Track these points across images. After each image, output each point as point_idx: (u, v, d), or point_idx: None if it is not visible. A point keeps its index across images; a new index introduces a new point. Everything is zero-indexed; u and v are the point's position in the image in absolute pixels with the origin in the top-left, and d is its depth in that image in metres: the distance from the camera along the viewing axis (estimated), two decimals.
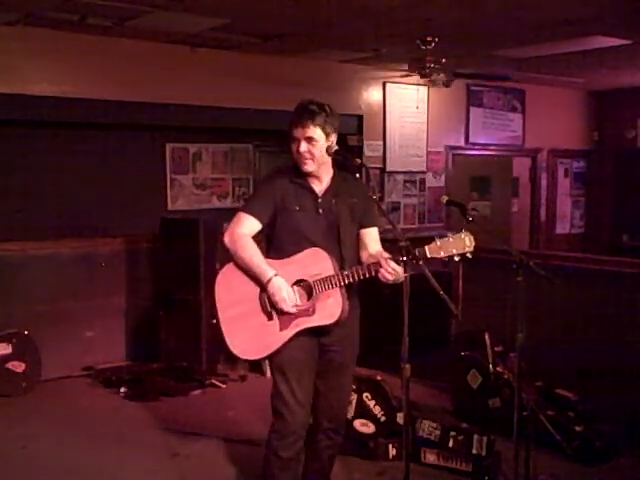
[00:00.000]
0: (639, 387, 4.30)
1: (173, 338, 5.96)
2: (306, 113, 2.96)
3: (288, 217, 3.03)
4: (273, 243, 3.09)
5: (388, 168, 7.68)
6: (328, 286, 2.94)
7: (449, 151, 8.28)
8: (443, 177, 8.23)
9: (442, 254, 2.85)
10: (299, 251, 3.00)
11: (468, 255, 2.90)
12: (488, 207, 8.84)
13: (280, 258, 3.01)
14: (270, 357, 3.05)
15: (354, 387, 4.18)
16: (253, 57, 6.59)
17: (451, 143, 8.28)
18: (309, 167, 3.01)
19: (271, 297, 2.95)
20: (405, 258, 2.80)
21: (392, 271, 2.86)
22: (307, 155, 2.98)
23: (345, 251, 3.06)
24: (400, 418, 3.99)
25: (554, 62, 7.00)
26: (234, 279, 3.04)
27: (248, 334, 3.01)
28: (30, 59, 5.58)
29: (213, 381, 5.52)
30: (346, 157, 3.09)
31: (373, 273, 2.92)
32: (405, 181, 7.89)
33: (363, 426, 4.16)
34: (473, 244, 2.90)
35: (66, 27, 5.48)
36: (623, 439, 4.19)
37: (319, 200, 3.06)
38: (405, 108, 7.77)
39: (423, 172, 8.02)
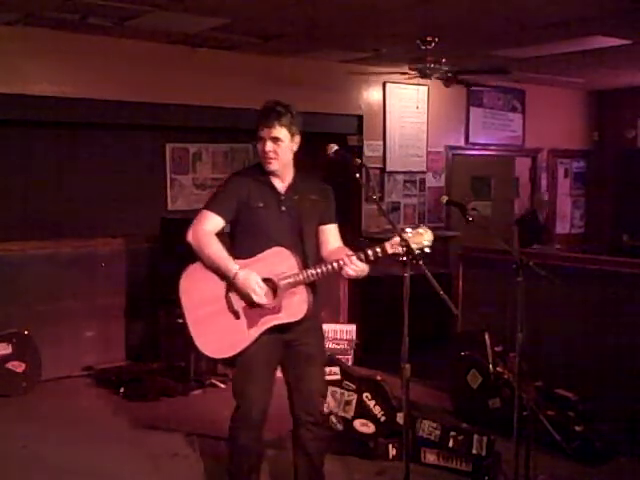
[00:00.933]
0: (639, 387, 4.30)
1: (173, 338, 5.95)
2: (273, 114, 3.04)
3: (252, 214, 3.09)
4: (236, 240, 3.13)
5: (388, 168, 7.68)
6: (292, 284, 3.00)
7: (449, 151, 8.28)
8: (443, 177, 8.23)
9: (401, 250, 2.84)
10: (263, 248, 3.04)
11: (427, 250, 2.91)
12: (489, 207, 8.84)
13: (244, 256, 3.04)
14: (238, 354, 3.09)
15: (354, 387, 4.19)
16: (253, 57, 6.60)
17: (451, 143, 8.28)
18: (273, 166, 3.08)
19: (241, 290, 2.98)
20: (405, 258, 2.81)
21: (355, 268, 2.93)
22: (272, 155, 3.05)
23: (307, 248, 3.13)
24: (400, 418, 3.99)
25: (554, 62, 7.01)
26: (199, 279, 3.09)
27: (216, 334, 3.06)
28: (30, 59, 5.58)
29: (213, 381, 5.52)
30: (346, 157, 3.09)
31: (337, 270, 2.98)
32: (405, 181, 7.90)
33: (363, 426, 4.16)
34: (432, 239, 2.92)
35: (66, 27, 5.48)
36: (623, 439, 4.19)
37: (282, 198, 3.12)
38: (405, 108, 7.77)
39: (423, 172, 8.02)
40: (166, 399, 5.27)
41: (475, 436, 3.93)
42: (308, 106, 6.96)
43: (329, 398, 4.19)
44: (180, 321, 3.11)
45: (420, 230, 2.91)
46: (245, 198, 3.08)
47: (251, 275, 2.97)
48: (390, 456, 4.07)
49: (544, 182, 9.27)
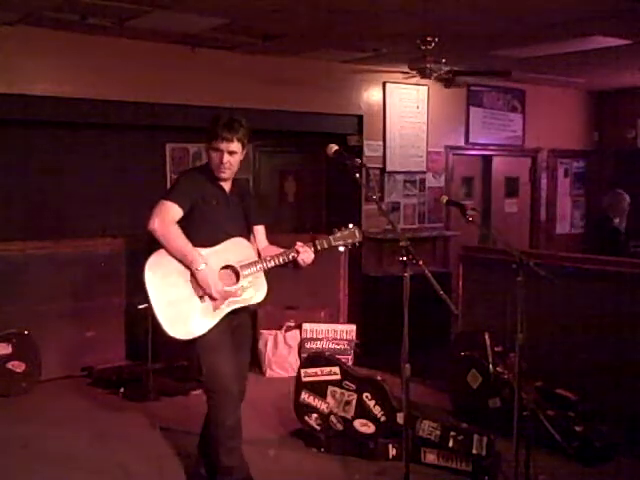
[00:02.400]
0: (639, 387, 4.31)
1: (173, 338, 5.94)
2: (232, 129, 3.31)
3: (207, 209, 3.37)
4: (192, 230, 3.31)
5: (388, 168, 7.68)
6: (253, 270, 3.35)
7: (449, 151, 8.28)
8: (443, 177, 8.23)
9: (340, 243, 3.39)
10: (219, 239, 3.35)
11: (357, 244, 3.42)
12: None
13: (199, 245, 3.29)
14: (201, 336, 3.30)
15: (354, 387, 4.19)
16: (253, 57, 6.59)
17: (451, 143, 8.28)
18: (226, 175, 3.40)
19: (200, 283, 3.25)
20: (405, 258, 2.81)
21: (308, 255, 3.35)
22: (227, 165, 3.35)
23: (250, 240, 3.50)
24: (400, 418, 3.99)
25: (554, 62, 7.01)
26: (163, 264, 3.27)
27: (184, 317, 3.28)
28: (30, 59, 5.58)
29: None
30: (346, 157, 3.10)
31: (291, 258, 3.36)
32: (405, 181, 7.89)
33: (363, 426, 4.16)
34: (361, 236, 3.43)
35: (66, 27, 5.48)
36: (623, 439, 4.19)
37: (228, 197, 3.47)
38: (405, 108, 7.77)
39: (423, 172, 8.01)
40: (166, 399, 5.27)
41: (475, 436, 3.93)
42: (308, 106, 7.00)
43: (329, 398, 4.20)
44: (141, 307, 3.36)
45: (351, 227, 3.40)
46: (202, 194, 3.36)
47: (210, 274, 3.24)
48: (390, 456, 4.08)
49: (544, 182, 9.27)
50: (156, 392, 5.31)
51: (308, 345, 5.91)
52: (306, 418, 4.26)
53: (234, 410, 3.37)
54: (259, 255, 3.47)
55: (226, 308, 3.32)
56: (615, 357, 4.50)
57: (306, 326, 5.95)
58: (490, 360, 4.57)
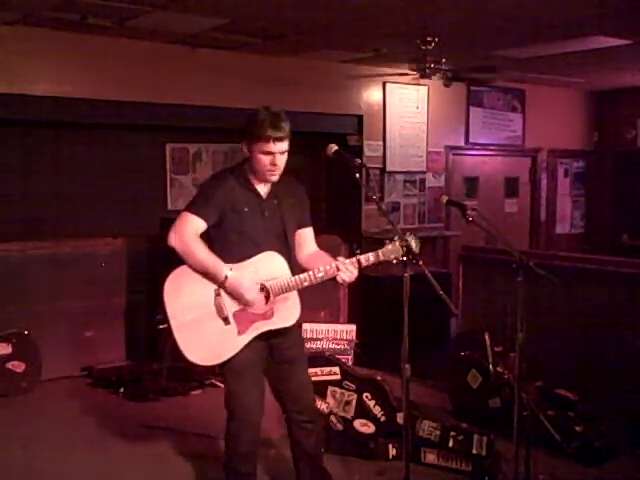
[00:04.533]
0: (639, 387, 4.30)
1: (173, 338, 5.94)
2: (280, 127, 2.95)
3: (237, 219, 3.02)
4: (219, 244, 3.03)
5: (388, 168, 7.68)
6: (285, 289, 3.00)
7: (449, 151, 8.28)
8: (443, 177, 8.23)
9: (393, 256, 2.94)
10: (249, 253, 3.00)
11: (413, 254, 2.90)
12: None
13: (231, 260, 2.98)
14: (227, 360, 3.02)
15: (354, 387, 4.18)
16: (253, 57, 6.60)
17: (451, 143, 8.28)
18: (277, 177, 3.05)
19: (233, 292, 2.95)
20: (405, 258, 2.82)
21: (350, 274, 2.97)
22: (279, 167, 3.02)
23: (289, 252, 3.11)
24: (400, 418, 3.98)
25: (554, 62, 7.01)
26: (185, 284, 3.00)
27: (204, 340, 2.98)
28: (30, 59, 5.58)
29: (213, 381, 5.52)
30: (346, 157, 3.09)
31: (331, 275, 2.99)
32: (405, 181, 7.90)
33: (363, 426, 4.16)
34: (418, 246, 2.92)
35: (66, 27, 5.48)
36: (623, 439, 4.19)
37: (263, 203, 3.09)
38: (405, 108, 7.77)
39: (423, 172, 8.02)
40: (166, 399, 5.27)
41: (475, 436, 3.93)
42: (308, 106, 7.00)
43: (329, 398, 4.20)
44: (161, 327, 3.03)
45: (408, 238, 2.92)
46: (230, 202, 3.02)
47: (244, 277, 2.95)
48: (390, 456, 4.08)
49: (544, 182, 9.27)
50: (156, 392, 5.31)
51: (308, 345, 5.90)
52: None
53: (250, 439, 3.11)
54: (301, 265, 3.14)
55: (252, 332, 3.00)
56: (615, 357, 4.50)
57: (306, 326, 5.94)
58: (490, 360, 4.57)
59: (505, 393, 4.41)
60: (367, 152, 7.51)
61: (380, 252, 2.95)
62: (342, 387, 4.21)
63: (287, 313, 3.05)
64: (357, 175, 3.07)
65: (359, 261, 2.97)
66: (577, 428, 4.12)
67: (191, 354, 2.98)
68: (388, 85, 7.61)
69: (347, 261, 2.98)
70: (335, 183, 7.60)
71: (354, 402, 4.17)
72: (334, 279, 3.00)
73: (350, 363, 5.60)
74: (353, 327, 5.92)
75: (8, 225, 6.12)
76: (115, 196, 6.74)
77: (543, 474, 3.70)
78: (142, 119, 6.30)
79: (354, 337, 5.88)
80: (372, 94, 7.57)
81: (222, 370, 3.09)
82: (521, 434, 3.23)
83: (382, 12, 5.03)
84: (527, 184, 9.24)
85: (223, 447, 4.25)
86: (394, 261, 2.95)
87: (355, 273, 2.98)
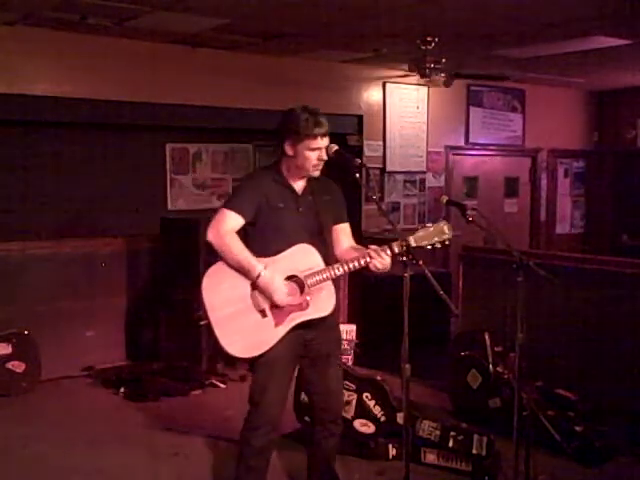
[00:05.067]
0: (639, 387, 4.30)
1: (173, 338, 5.96)
2: (322, 123, 3.04)
3: (272, 214, 3.08)
4: (255, 239, 3.09)
5: (388, 168, 7.68)
6: (319, 280, 3.02)
7: (449, 151, 8.28)
8: (443, 177, 8.24)
9: (425, 242, 2.97)
10: (284, 247, 3.04)
11: (447, 242, 3.01)
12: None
13: (266, 254, 3.03)
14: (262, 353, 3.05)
15: (354, 387, 4.18)
16: (253, 57, 6.60)
17: (451, 143, 8.28)
18: (318, 172, 3.12)
19: (264, 291, 2.98)
20: (405, 258, 2.82)
21: (383, 261, 2.97)
22: (323, 161, 3.09)
23: (325, 248, 3.14)
24: (400, 418, 3.99)
25: (554, 62, 7.01)
26: (222, 279, 3.03)
27: (242, 333, 3.01)
28: (30, 59, 5.58)
29: (213, 381, 5.52)
30: (346, 157, 3.09)
31: (363, 264, 3.01)
32: (405, 181, 7.90)
33: (363, 426, 4.16)
34: (451, 232, 3.02)
35: (66, 27, 5.48)
36: (623, 439, 4.19)
37: (299, 199, 3.14)
38: (405, 108, 7.77)
39: (423, 172, 8.02)
40: (166, 399, 5.27)
41: (475, 436, 3.93)
42: None
43: None
44: (202, 323, 3.04)
45: (441, 224, 3.02)
46: (265, 198, 3.08)
47: (275, 277, 2.98)
48: (390, 456, 4.08)
49: (544, 182, 9.27)
50: (156, 392, 5.31)
51: None
52: (306, 418, 4.25)
53: (265, 433, 3.12)
54: (337, 259, 3.16)
55: (289, 323, 3.03)
56: (615, 357, 4.50)
57: None
58: (490, 360, 4.57)
59: (505, 393, 4.41)
60: (367, 152, 7.51)
61: (412, 238, 2.96)
62: (342, 387, 4.20)
63: (322, 304, 3.07)
64: (357, 175, 3.09)
65: (391, 248, 2.96)
66: (577, 428, 4.12)
67: (231, 347, 3.00)
68: (388, 85, 7.61)
69: (378, 249, 3.00)
70: (335, 183, 7.59)
71: (354, 402, 4.17)
72: (367, 268, 3.02)
73: (350, 363, 5.61)
74: (353, 327, 5.92)
75: (8, 225, 6.12)
76: (115, 196, 6.74)
77: (543, 474, 3.70)
78: (142, 119, 6.30)
79: (354, 337, 5.88)
80: (372, 94, 7.57)
81: (255, 362, 3.11)
82: (521, 434, 3.23)
83: (382, 12, 5.03)
84: (527, 184, 9.24)
85: (223, 447, 4.28)
86: (428, 247, 2.98)
87: (388, 260, 2.97)
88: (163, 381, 5.51)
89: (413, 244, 2.94)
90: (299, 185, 3.16)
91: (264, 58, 6.64)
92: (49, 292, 5.74)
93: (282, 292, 2.99)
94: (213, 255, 3.08)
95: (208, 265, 3.10)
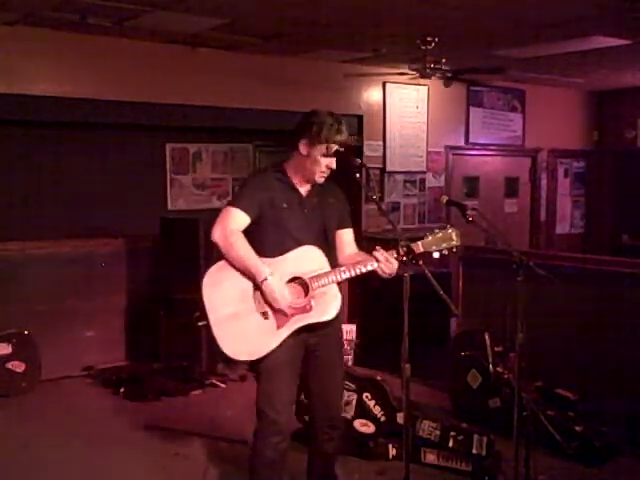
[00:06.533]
0: (639, 387, 4.30)
1: (173, 338, 5.96)
2: (345, 132, 3.02)
3: (276, 214, 3.02)
4: (259, 238, 3.01)
5: (388, 168, 7.68)
6: (324, 282, 2.96)
7: (449, 151, 8.28)
8: (443, 177, 8.24)
9: (434, 248, 2.95)
10: (288, 248, 2.99)
11: (454, 250, 2.99)
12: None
13: (266, 255, 2.97)
14: (263, 357, 2.97)
15: (354, 387, 4.18)
16: (253, 57, 6.59)
17: (451, 143, 8.28)
18: (323, 180, 3.09)
19: (266, 296, 2.92)
20: (405, 258, 2.82)
21: (391, 265, 2.92)
22: (329, 170, 3.06)
23: (330, 250, 3.10)
24: (400, 418, 3.99)
25: (554, 62, 7.01)
26: (224, 278, 2.96)
27: (243, 334, 2.94)
28: (30, 59, 5.58)
29: (213, 381, 5.52)
30: (346, 157, 3.09)
31: (370, 269, 2.96)
32: (405, 181, 7.89)
33: (363, 426, 4.16)
34: (459, 239, 2.99)
35: (66, 27, 5.48)
36: (623, 439, 4.19)
37: (303, 200, 3.10)
38: (405, 108, 7.77)
39: (423, 172, 8.02)
40: (166, 399, 5.27)
41: (475, 436, 3.93)
42: (308, 106, 6.95)
43: None
44: (201, 324, 2.94)
45: (449, 230, 2.98)
46: (270, 197, 3.02)
47: (280, 285, 2.92)
48: (390, 456, 4.08)
49: (544, 182, 9.27)
50: (156, 392, 5.31)
51: None
52: (306, 418, 4.25)
53: (277, 443, 3.02)
54: (340, 265, 3.09)
55: (292, 326, 2.95)
56: (615, 357, 4.50)
57: None
58: (490, 360, 4.57)
59: (505, 393, 4.41)
60: (367, 152, 7.50)
61: (420, 243, 2.93)
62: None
63: (326, 307, 2.99)
64: (357, 175, 3.07)
65: (397, 251, 2.93)
66: (577, 428, 4.12)
67: (229, 350, 2.92)
68: (388, 85, 7.61)
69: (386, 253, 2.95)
70: (335, 183, 7.60)
71: (354, 402, 4.17)
72: (374, 273, 2.97)
73: (350, 363, 5.61)
74: (353, 327, 5.93)
75: (8, 225, 6.12)
76: (115, 196, 6.74)
77: (543, 474, 3.70)
78: (142, 119, 6.30)
79: (354, 337, 5.89)
80: (372, 94, 7.57)
81: (256, 369, 3.05)
82: (521, 434, 3.23)
83: (382, 12, 5.03)
84: (527, 184, 9.23)
85: (223, 447, 4.28)
86: (436, 254, 2.96)
87: (395, 264, 2.93)
88: (163, 381, 5.51)
89: (421, 249, 2.93)
90: (304, 187, 3.12)
91: (264, 58, 6.64)
92: (49, 292, 5.74)
93: (286, 301, 2.92)
94: (214, 255, 3.02)
95: (208, 265, 3.07)
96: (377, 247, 2.98)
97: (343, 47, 6.39)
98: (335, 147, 3.00)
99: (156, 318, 6.05)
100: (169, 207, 7.36)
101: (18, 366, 5.39)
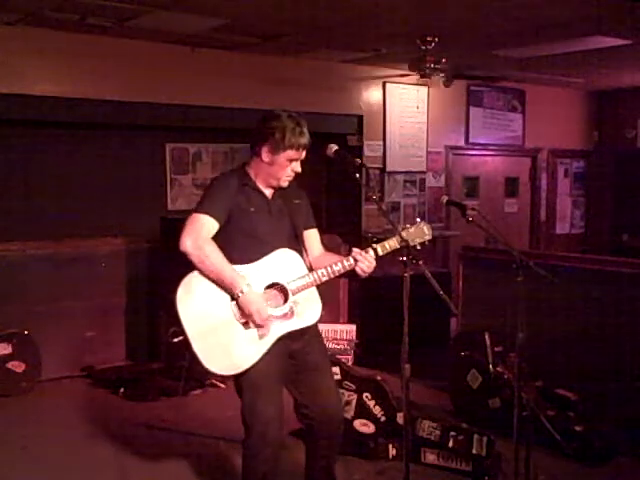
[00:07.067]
0: (639, 387, 4.30)
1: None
2: (306, 134, 2.94)
3: (244, 218, 2.94)
4: (229, 244, 2.91)
5: (388, 168, 7.68)
6: (303, 286, 2.92)
7: (449, 151, 8.28)
8: (443, 177, 8.24)
9: (405, 244, 2.90)
10: (261, 252, 2.92)
11: (426, 243, 3.07)
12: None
13: (235, 261, 2.87)
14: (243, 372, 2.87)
15: (354, 387, 4.18)
16: (253, 57, 6.60)
17: (451, 143, 8.28)
18: (287, 184, 3.04)
19: (244, 309, 2.84)
20: (405, 258, 2.81)
21: (369, 264, 2.94)
22: (293, 174, 3.01)
23: (301, 251, 3.06)
24: (400, 418, 3.99)
25: (554, 62, 7.01)
26: (198, 290, 2.86)
27: (225, 348, 2.84)
28: (30, 59, 5.58)
29: (213, 381, 5.52)
30: (346, 157, 3.08)
31: (348, 268, 2.95)
32: (405, 181, 7.89)
33: (363, 426, 4.16)
34: (431, 232, 3.11)
35: (66, 27, 5.49)
36: (623, 439, 4.19)
37: (269, 202, 3.04)
38: (405, 108, 7.77)
39: (423, 172, 8.02)
40: (166, 399, 5.27)
41: (475, 436, 3.93)
42: (308, 106, 6.98)
43: None
44: (176, 340, 2.86)
45: (421, 225, 3.09)
46: (236, 202, 2.94)
47: (257, 297, 2.84)
48: (390, 456, 4.08)
49: (544, 182, 9.27)
50: (156, 392, 5.31)
51: None
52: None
53: (265, 459, 2.91)
54: (311, 267, 3.02)
55: (275, 334, 2.87)
56: (615, 357, 4.50)
57: None
58: (490, 360, 4.57)
59: (505, 393, 4.41)
60: (367, 152, 7.50)
61: (394, 239, 2.95)
62: (342, 387, 4.20)
63: (308, 312, 2.95)
64: (357, 175, 3.07)
65: (375, 250, 2.92)
66: (577, 428, 4.12)
67: (211, 364, 2.84)
68: (388, 85, 7.61)
69: (363, 252, 2.94)
70: (335, 183, 7.61)
71: (354, 402, 4.17)
72: (353, 272, 2.95)
73: (350, 363, 5.61)
74: (353, 327, 5.92)
75: (8, 225, 6.12)
76: (115, 196, 6.73)
77: (543, 474, 3.70)
78: (142, 119, 6.30)
79: (354, 337, 5.88)
80: (372, 94, 7.57)
81: (238, 382, 2.96)
82: (521, 434, 3.23)
83: (382, 12, 5.04)
84: (527, 184, 9.24)
85: (223, 447, 4.28)
86: (418, 247, 2.98)
87: (373, 263, 2.93)
88: (163, 381, 5.51)
89: (397, 245, 2.94)
90: (268, 190, 3.05)
91: (264, 58, 6.65)
92: (49, 292, 5.74)
93: (261, 316, 2.82)
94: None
95: None
96: (353, 248, 2.98)
97: (343, 47, 6.39)
98: (300, 151, 2.94)
99: (156, 318, 6.05)
100: (169, 207, 7.35)
101: (18, 366, 5.39)
